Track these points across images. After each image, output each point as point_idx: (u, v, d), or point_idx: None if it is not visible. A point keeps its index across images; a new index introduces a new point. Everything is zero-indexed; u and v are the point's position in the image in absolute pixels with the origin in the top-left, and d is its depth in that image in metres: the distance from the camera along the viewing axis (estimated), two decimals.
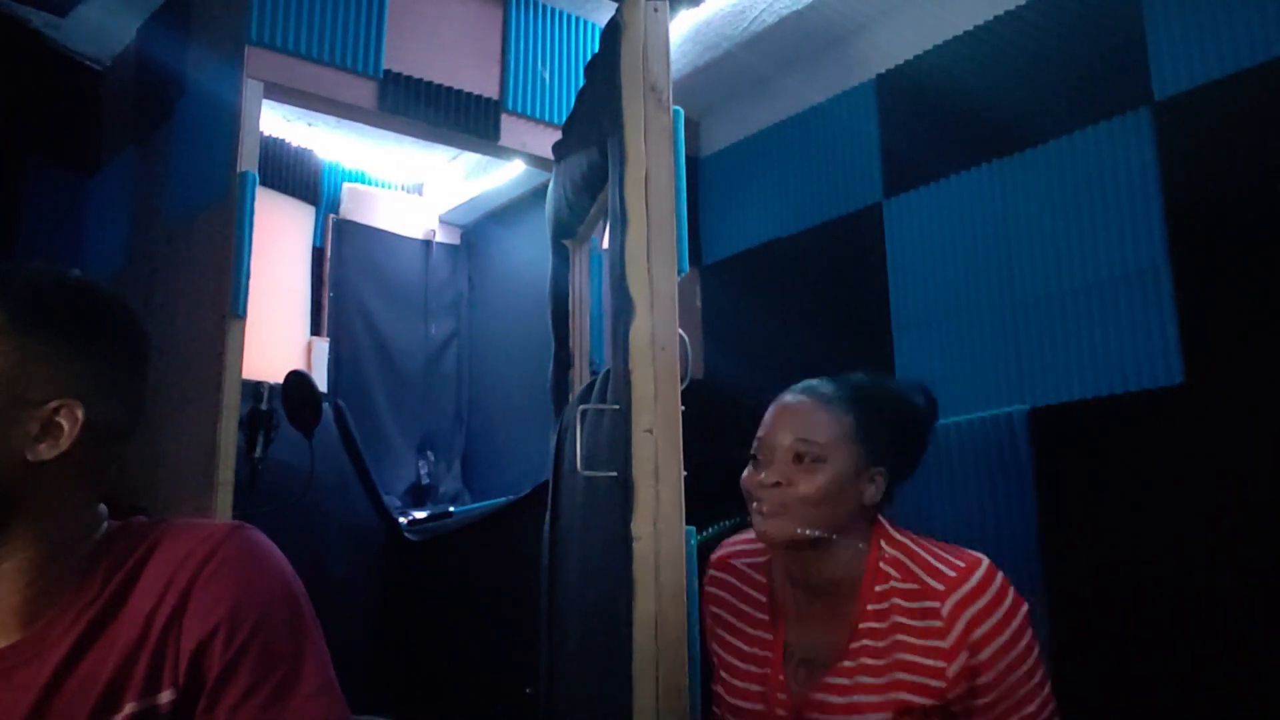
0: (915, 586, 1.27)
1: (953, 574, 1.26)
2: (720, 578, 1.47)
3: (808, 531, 1.30)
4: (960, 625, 1.22)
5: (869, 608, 1.29)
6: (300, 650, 0.90)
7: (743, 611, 1.42)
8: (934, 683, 1.23)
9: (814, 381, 1.40)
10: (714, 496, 2.11)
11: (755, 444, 1.38)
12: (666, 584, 1.17)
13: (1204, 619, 1.46)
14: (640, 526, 1.19)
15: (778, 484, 1.31)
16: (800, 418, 1.35)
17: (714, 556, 1.50)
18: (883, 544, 1.33)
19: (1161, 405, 1.57)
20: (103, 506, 0.97)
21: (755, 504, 1.34)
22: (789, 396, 1.39)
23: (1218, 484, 1.48)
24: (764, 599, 1.40)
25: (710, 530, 1.78)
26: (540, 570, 1.83)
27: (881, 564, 1.31)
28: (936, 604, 1.24)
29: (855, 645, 1.28)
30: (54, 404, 0.89)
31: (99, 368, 0.94)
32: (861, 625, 1.28)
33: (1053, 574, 1.59)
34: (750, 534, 1.43)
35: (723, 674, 1.41)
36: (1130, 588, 1.55)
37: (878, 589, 1.29)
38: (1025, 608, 1.26)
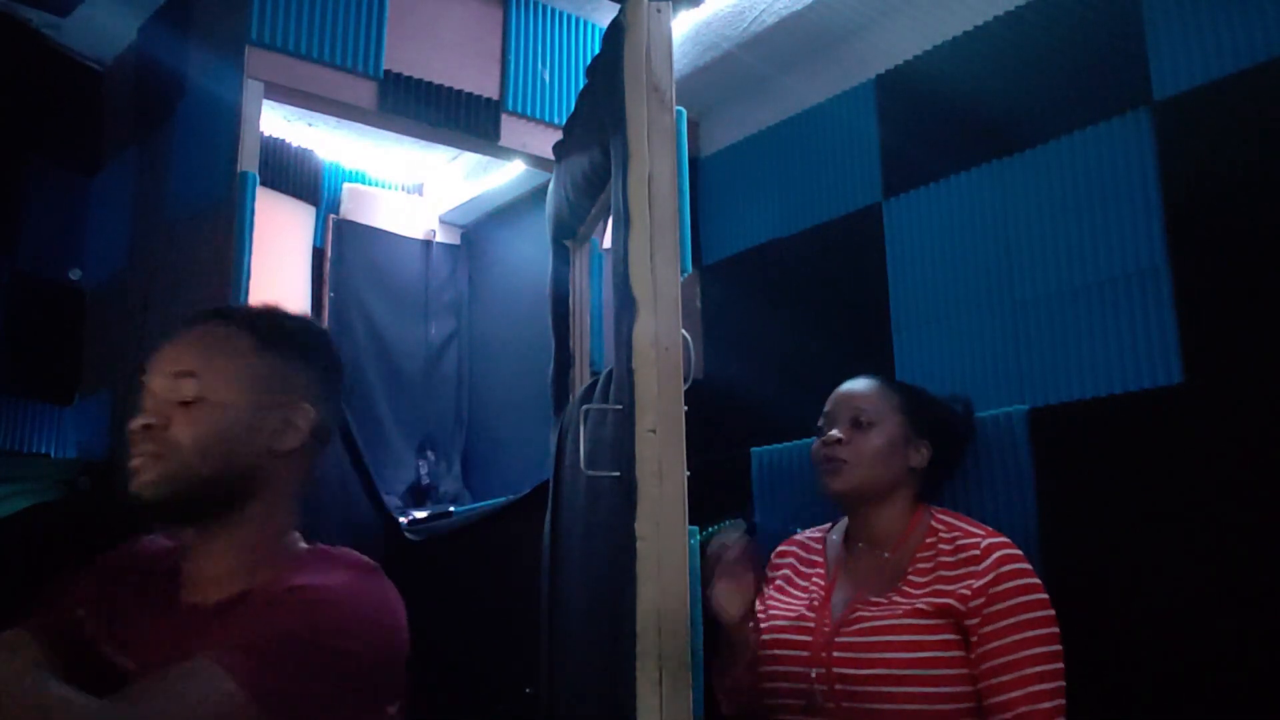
0: (958, 534, 1.51)
1: (991, 531, 1.50)
2: (786, 549, 1.76)
3: (863, 484, 1.56)
4: (994, 556, 1.44)
5: (919, 554, 1.51)
6: (295, 684, 1.00)
7: (800, 570, 1.70)
8: (962, 590, 1.43)
9: (868, 374, 1.68)
10: (715, 496, 2.11)
11: (821, 419, 1.64)
12: (669, 584, 1.17)
13: (1204, 619, 1.46)
14: (643, 526, 1.18)
15: (839, 441, 1.58)
16: (856, 393, 1.64)
17: (782, 544, 1.78)
18: (932, 510, 1.58)
19: (1161, 405, 1.57)
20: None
21: (823, 467, 1.60)
22: (848, 383, 1.67)
23: (1217, 484, 1.48)
24: (821, 559, 1.66)
25: (711, 530, 1.79)
26: (541, 570, 1.83)
27: (933, 522, 1.55)
28: (975, 543, 1.47)
29: (900, 585, 1.50)
30: (291, 404, 1.14)
31: (319, 378, 1.19)
32: (909, 575, 1.50)
33: (1052, 574, 1.59)
34: (810, 530, 1.74)
35: (773, 613, 1.64)
36: (1130, 587, 1.55)
37: (928, 539, 1.52)
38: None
